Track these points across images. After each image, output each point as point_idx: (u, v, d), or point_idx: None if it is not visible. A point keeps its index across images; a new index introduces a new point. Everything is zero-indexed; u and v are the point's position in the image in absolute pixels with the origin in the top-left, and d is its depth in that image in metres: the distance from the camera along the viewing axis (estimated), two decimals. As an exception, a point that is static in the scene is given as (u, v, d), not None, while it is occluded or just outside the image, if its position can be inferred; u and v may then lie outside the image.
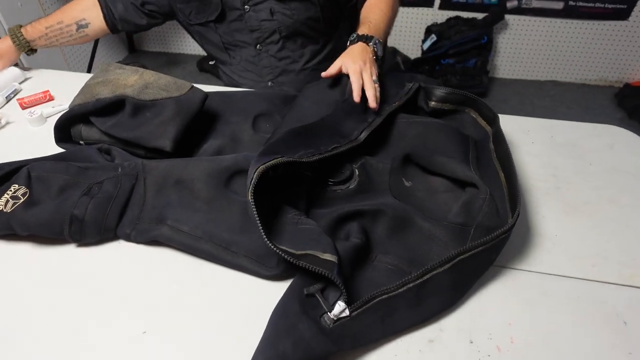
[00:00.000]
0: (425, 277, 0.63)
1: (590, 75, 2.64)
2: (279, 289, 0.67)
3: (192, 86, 0.92)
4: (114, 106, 0.88)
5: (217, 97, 1.00)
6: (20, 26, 1.16)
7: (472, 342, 0.62)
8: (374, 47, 0.97)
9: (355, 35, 0.99)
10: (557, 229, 0.77)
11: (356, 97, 0.88)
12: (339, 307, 0.60)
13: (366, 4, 1.14)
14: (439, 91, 0.94)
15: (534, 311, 0.65)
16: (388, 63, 2.47)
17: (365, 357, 0.61)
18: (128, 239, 0.76)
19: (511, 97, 2.47)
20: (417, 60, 2.55)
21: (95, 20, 1.18)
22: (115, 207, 0.76)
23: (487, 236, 0.65)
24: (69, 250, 0.75)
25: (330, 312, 0.60)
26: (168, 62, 2.81)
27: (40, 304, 0.67)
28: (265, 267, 0.70)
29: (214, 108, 0.98)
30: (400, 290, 0.62)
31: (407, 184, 0.83)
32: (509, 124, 0.99)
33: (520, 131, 0.99)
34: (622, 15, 2.41)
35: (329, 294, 0.63)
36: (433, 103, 0.94)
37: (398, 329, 0.62)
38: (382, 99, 0.92)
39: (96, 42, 2.11)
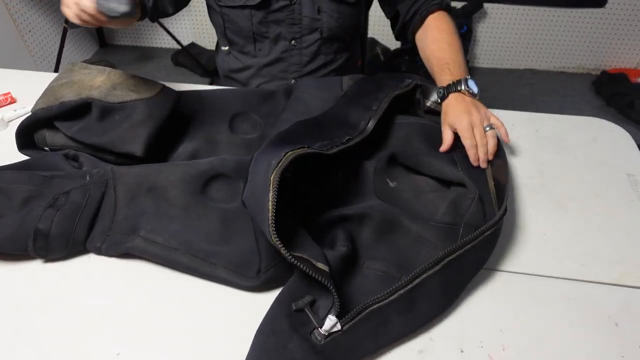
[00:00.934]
0: (415, 282, 0.60)
1: (568, 62, 2.66)
2: (261, 301, 0.64)
3: (164, 86, 0.87)
4: (80, 109, 0.82)
5: (190, 96, 0.95)
6: None
7: (462, 351, 0.60)
8: (466, 89, 0.84)
9: (442, 90, 0.86)
10: (546, 228, 0.75)
11: (473, 160, 0.79)
12: (330, 322, 0.56)
13: (425, 40, 0.97)
14: (436, 93, 0.91)
15: (526, 316, 0.64)
16: (368, 54, 2.44)
17: (354, 372, 0.58)
18: (99, 252, 0.71)
19: (491, 86, 2.47)
20: (397, 50, 2.52)
21: None
22: (83, 218, 0.71)
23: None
24: (35, 267, 0.70)
25: (320, 327, 0.57)
26: (141, 56, 2.72)
27: (3, 328, 0.62)
28: (245, 277, 0.66)
29: (188, 109, 0.93)
30: (391, 297, 0.59)
31: (391, 184, 0.80)
32: (493, 118, 0.97)
33: (505, 126, 0.97)
34: (599, 2, 2.41)
35: (318, 308, 0.60)
36: (429, 103, 0.92)
37: (392, 339, 0.60)
38: (386, 91, 0.88)
39: (63, 38, 2.01)
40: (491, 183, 0.74)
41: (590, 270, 0.69)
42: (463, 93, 0.84)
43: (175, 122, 0.89)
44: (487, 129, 0.81)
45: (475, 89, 0.85)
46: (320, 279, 0.57)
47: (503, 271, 0.69)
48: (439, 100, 0.87)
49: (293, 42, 1.07)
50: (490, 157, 0.78)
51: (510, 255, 0.71)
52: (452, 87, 0.85)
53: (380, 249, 0.70)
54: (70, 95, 0.83)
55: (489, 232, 0.65)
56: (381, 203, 0.75)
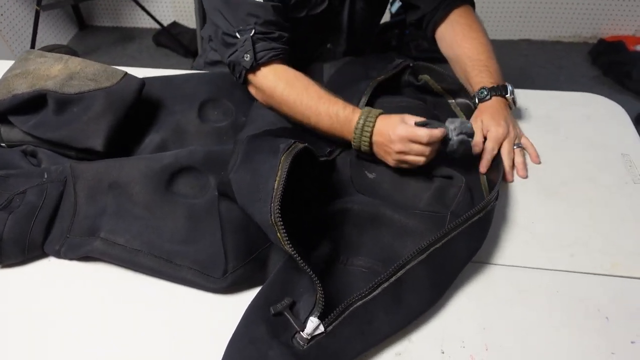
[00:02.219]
0: (399, 274, 0.57)
1: (564, 31, 2.57)
2: (229, 305, 0.60)
3: (126, 74, 0.81)
4: (35, 102, 0.77)
5: (157, 83, 0.89)
6: None
7: (443, 353, 0.56)
8: (512, 99, 0.82)
9: (485, 91, 0.81)
10: (533, 216, 0.71)
11: (482, 168, 0.76)
12: (312, 324, 0.53)
13: (454, 37, 0.90)
14: (436, 72, 0.87)
15: (510, 312, 0.60)
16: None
17: (326, 380, 0.54)
18: (58, 255, 0.67)
19: (484, 58, 2.38)
20: (386, 24, 2.43)
21: None
22: (39, 220, 0.67)
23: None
24: (-11, 274, 0.66)
25: (302, 331, 0.53)
26: (122, 37, 2.62)
27: (-46, 342, 0.58)
28: (211, 279, 0.62)
29: (155, 96, 0.87)
30: (375, 292, 0.56)
31: (370, 176, 0.75)
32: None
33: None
34: (596, -33, 2.32)
35: (298, 310, 0.55)
36: (425, 77, 0.88)
37: (380, 338, 0.56)
38: (373, 74, 0.84)
39: (36, 21, 1.92)
40: (483, 179, 0.70)
41: (580, 260, 0.65)
42: (506, 100, 0.82)
43: (141, 111, 0.84)
44: (515, 147, 0.80)
45: (517, 102, 0.85)
46: (308, 271, 0.54)
47: (486, 264, 0.65)
48: (477, 100, 0.83)
49: (329, 45, 1.00)
50: (520, 173, 0.78)
51: (494, 247, 0.67)
52: (498, 91, 0.82)
53: (363, 244, 0.66)
54: (23, 87, 0.77)
55: (477, 217, 0.61)
56: (360, 196, 0.71)
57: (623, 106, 0.91)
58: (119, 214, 0.69)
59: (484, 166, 0.76)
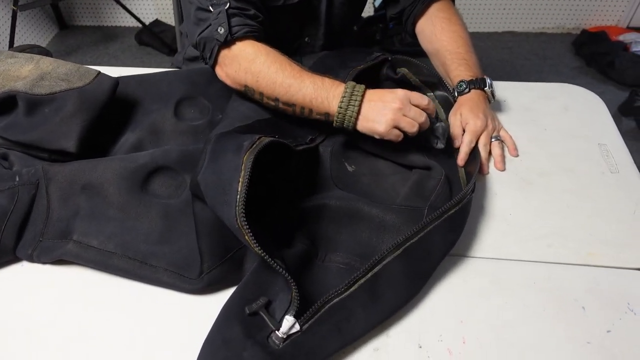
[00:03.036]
0: (376, 269, 0.57)
1: (548, 23, 2.58)
2: (205, 306, 0.59)
3: (99, 73, 0.80)
4: (5, 104, 0.75)
5: (133, 81, 0.88)
6: None
7: (421, 347, 0.56)
8: (490, 92, 0.82)
9: (464, 84, 0.81)
10: (511, 207, 0.71)
11: (460, 161, 0.76)
12: (288, 323, 0.52)
13: (434, 31, 0.90)
14: (413, 65, 0.87)
15: (487, 304, 0.60)
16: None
17: (303, 378, 0.54)
18: (31, 259, 0.66)
19: (469, 51, 2.39)
20: (369, 18, 2.43)
21: None
22: (11, 224, 0.66)
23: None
24: (-40, 280, 0.64)
25: (278, 330, 0.52)
26: (104, 37, 2.59)
27: None
28: (187, 279, 0.61)
29: (130, 95, 0.86)
30: (351, 289, 0.55)
31: (350, 168, 0.75)
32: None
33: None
34: (577, -42, 2.32)
35: (274, 310, 0.55)
36: (404, 70, 0.87)
37: (358, 335, 0.55)
38: (352, 65, 0.83)
39: (13, 22, 1.89)
40: (462, 171, 0.70)
41: (557, 251, 0.65)
42: (485, 93, 0.82)
43: (116, 111, 0.83)
44: (493, 140, 0.80)
45: (495, 95, 0.84)
46: (284, 273, 0.53)
47: (463, 256, 0.65)
48: (456, 93, 0.83)
49: (307, 39, 0.98)
50: (498, 166, 0.78)
51: (471, 239, 0.67)
52: (476, 84, 0.82)
53: (341, 240, 0.66)
54: (-8, 89, 0.75)
55: (453, 210, 0.61)
56: (338, 191, 0.70)
57: (606, 96, 0.92)
58: (93, 215, 0.68)
59: (461, 159, 0.75)
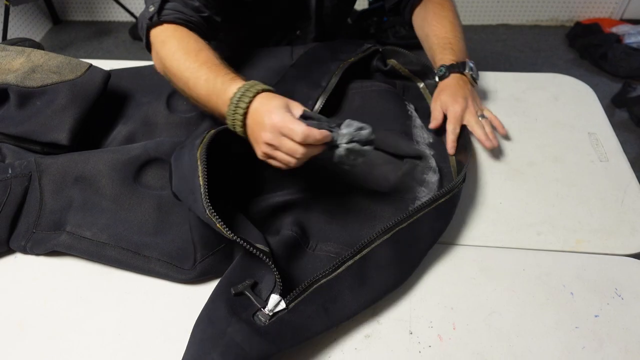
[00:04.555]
0: (364, 252, 0.57)
1: (542, 15, 2.58)
2: (199, 295, 0.60)
3: (90, 66, 0.80)
4: (-3, 97, 0.75)
5: (125, 74, 0.88)
6: None
7: (411, 333, 0.57)
8: (470, 75, 0.81)
9: (443, 69, 0.80)
10: (501, 196, 0.72)
11: (450, 150, 0.75)
12: (274, 300, 0.53)
13: (425, 16, 0.90)
14: (402, 55, 0.87)
15: (477, 291, 0.60)
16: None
17: (295, 365, 0.55)
18: (24, 251, 0.66)
19: (463, 44, 2.39)
20: (364, 11, 2.42)
21: None
22: (3, 216, 0.66)
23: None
24: (-46, 272, 0.65)
25: (264, 308, 0.53)
26: (98, 32, 2.57)
27: None
28: (180, 270, 0.62)
29: (123, 88, 0.86)
30: (339, 270, 0.56)
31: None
32: (450, 81, 0.92)
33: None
34: (570, -50, 2.32)
35: (260, 290, 0.56)
36: (392, 61, 0.88)
37: (345, 316, 0.56)
38: (342, 57, 0.82)
39: (6, 17, 1.88)
40: (452, 160, 0.71)
41: (546, 238, 0.66)
42: (465, 77, 0.81)
43: (109, 103, 0.83)
44: (480, 118, 0.79)
45: (477, 77, 0.82)
46: (259, 254, 0.54)
47: (454, 244, 0.66)
48: (437, 78, 0.82)
49: (299, 32, 0.99)
50: (490, 143, 0.76)
51: (462, 227, 0.68)
52: (456, 68, 0.81)
53: (333, 230, 0.66)
54: (-17, 82, 0.75)
55: (442, 199, 0.62)
56: (330, 182, 0.70)
57: (599, 87, 0.93)
58: (86, 207, 0.68)
59: (450, 148, 0.76)
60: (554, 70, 2.31)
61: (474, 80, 0.82)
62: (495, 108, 0.87)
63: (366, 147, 0.58)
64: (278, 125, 0.55)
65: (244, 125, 0.60)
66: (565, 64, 2.28)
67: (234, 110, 0.60)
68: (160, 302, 0.61)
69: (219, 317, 0.53)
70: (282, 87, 0.78)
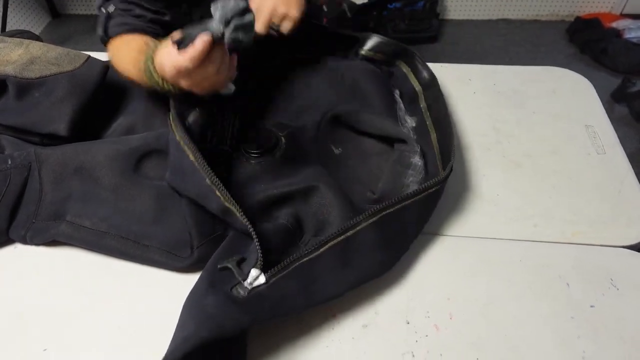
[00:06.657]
0: (348, 234, 0.56)
1: (542, 10, 2.58)
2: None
3: (89, 57, 0.80)
4: (-5, 88, 0.75)
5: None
6: None
7: (408, 323, 0.57)
8: None
9: None
10: (499, 188, 0.72)
11: (261, 29, 0.72)
12: (254, 273, 0.52)
13: None
14: (373, 39, 0.87)
15: (474, 282, 0.61)
16: (333, 10, 2.33)
17: (293, 351, 0.55)
18: (24, 241, 0.67)
19: (462, 39, 2.37)
20: (363, 5, 2.42)
21: None
22: (3, 206, 0.66)
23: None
24: (-46, 262, 0.65)
25: (244, 281, 0.53)
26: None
27: None
28: (179, 258, 0.62)
29: (122, 80, 0.85)
30: (322, 249, 0.55)
31: (336, 151, 0.76)
32: (450, 73, 0.92)
33: (461, 81, 0.92)
34: (571, -56, 2.32)
35: (244, 266, 0.55)
36: (364, 51, 0.87)
37: (325, 297, 0.55)
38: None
39: (5, 9, 1.87)
40: (435, 145, 0.70)
41: (543, 230, 0.66)
42: None
43: (109, 95, 0.83)
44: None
45: None
46: (247, 224, 0.55)
47: (451, 236, 0.66)
48: None
49: None
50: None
51: (459, 219, 0.68)
52: None
53: (327, 223, 0.66)
54: (-18, 73, 0.75)
55: (433, 189, 0.61)
56: (325, 176, 0.70)
57: (599, 82, 0.92)
58: (86, 197, 0.68)
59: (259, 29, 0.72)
60: (554, 65, 2.30)
61: None
62: (490, 101, 0.87)
63: (246, 16, 0.56)
64: (175, 70, 0.57)
65: (164, 81, 0.62)
66: (565, 59, 2.28)
67: (149, 76, 0.63)
68: (159, 293, 0.61)
69: (199, 291, 0.53)
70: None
